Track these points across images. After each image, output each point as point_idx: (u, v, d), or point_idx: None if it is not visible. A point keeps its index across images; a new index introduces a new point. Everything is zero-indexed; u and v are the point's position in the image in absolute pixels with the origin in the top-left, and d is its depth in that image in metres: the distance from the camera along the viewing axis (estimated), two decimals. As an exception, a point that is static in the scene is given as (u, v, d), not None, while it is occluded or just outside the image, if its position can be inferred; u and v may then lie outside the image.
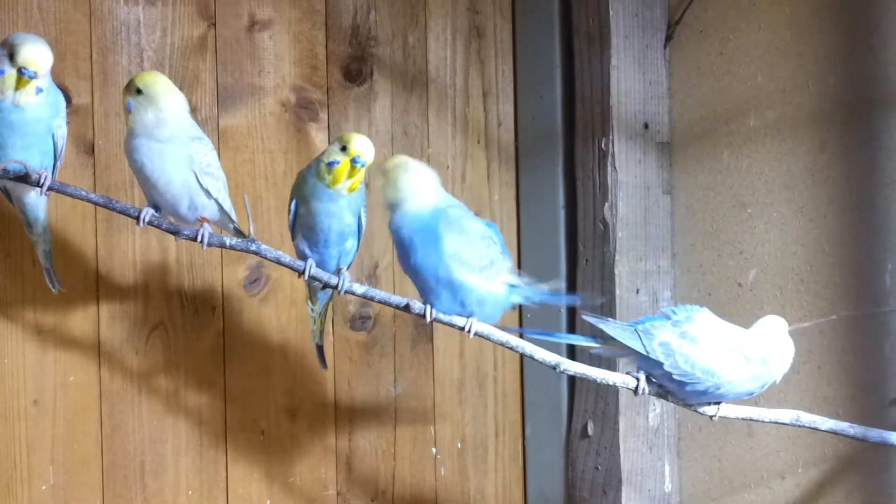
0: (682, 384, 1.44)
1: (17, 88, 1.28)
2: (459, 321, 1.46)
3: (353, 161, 1.39)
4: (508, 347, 1.48)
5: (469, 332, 1.46)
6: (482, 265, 1.44)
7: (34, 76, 1.27)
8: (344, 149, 1.39)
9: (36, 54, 1.27)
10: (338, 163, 1.39)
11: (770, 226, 1.76)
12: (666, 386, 1.46)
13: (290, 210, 1.47)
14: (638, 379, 1.46)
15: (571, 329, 1.96)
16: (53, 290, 1.56)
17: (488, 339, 1.48)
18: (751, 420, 1.52)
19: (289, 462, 1.85)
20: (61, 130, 1.38)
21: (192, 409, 1.77)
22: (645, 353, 1.44)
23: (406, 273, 1.48)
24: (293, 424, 1.85)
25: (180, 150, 1.40)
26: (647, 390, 1.46)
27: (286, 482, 1.84)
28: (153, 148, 1.39)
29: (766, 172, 1.76)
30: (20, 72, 1.27)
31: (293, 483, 1.85)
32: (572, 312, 1.96)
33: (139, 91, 1.38)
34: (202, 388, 1.78)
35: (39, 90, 1.29)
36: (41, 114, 1.32)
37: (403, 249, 1.45)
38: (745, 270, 1.79)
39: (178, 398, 1.76)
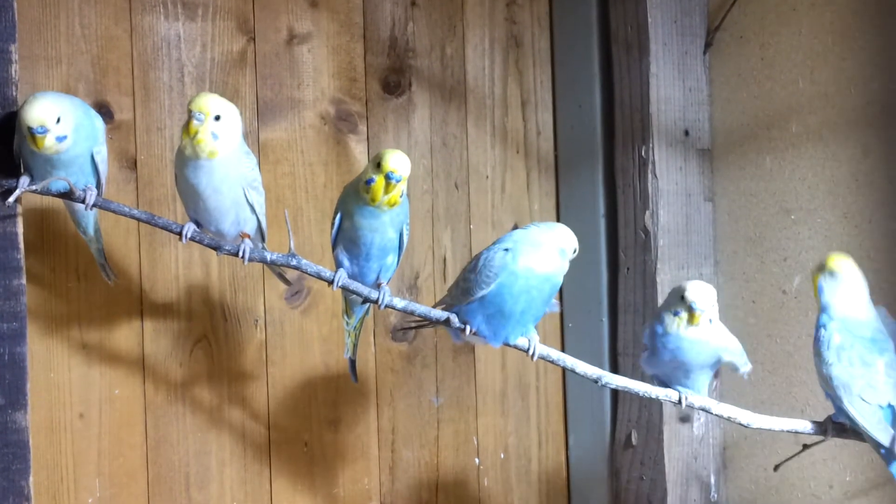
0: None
1: (31, 144, 1.31)
2: (521, 342, 1.46)
3: (388, 177, 1.39)
4: (549, 361, 1.47)
5: (533, 355, 1.46)
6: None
7: (42, 132, 1.30)
8: (378, 165, 1.39)
9: (34, 112, 1.30)
10: (374, 180, 1.39)
11: (814, 232, 1.74)
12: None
13: (333, 223, 1.47)
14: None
15: (613, 335, 1.95)
16: (109, 282, 1.60)
17: (547, 359, 1.47)
18: (797, 432, 1.50)
19: (332, 473, 1.85)
20: (101, 155, 1.39)
21: (235, 421, 1.78)
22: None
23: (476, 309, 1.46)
24: (336, 436, 1.86)
25: (233, 166, 1.41)
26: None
27: (330, 493, 1.85)
28: (208, 165, 1.39)
29: (810, 178, 1.74)
30: (29, 130, 1.30)
31: (337, 494, 1.85)
32: (614, 316, 1.95)
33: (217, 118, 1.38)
34: (245, 401, 1.79)
35: (60, 139, 1.31)
36: (73, 151, 1.34)
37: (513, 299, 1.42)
38: (789, 277, 1.78)
39: (222, 410, 1.77)
